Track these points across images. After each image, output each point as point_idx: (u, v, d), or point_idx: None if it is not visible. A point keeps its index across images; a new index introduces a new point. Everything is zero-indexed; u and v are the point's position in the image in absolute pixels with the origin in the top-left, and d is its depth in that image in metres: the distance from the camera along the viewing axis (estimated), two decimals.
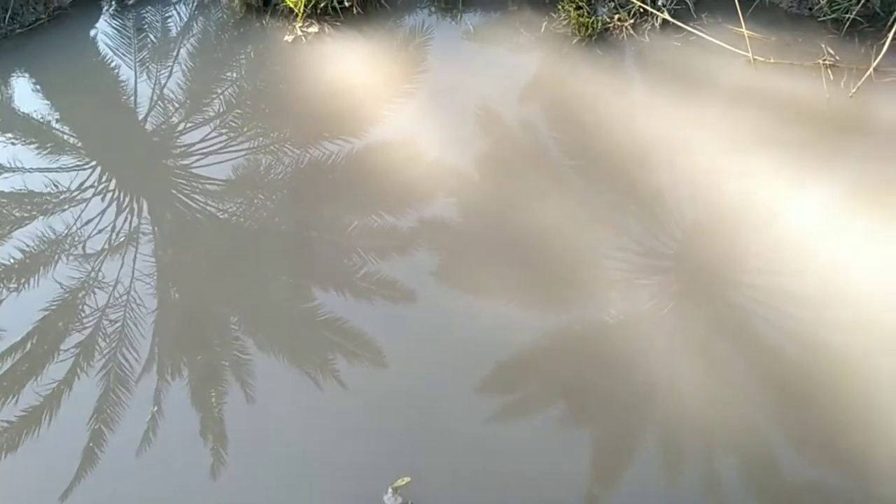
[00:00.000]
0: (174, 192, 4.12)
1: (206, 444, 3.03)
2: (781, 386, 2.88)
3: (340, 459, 2.92)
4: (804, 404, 2.81)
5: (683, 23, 4.27)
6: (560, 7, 4.47)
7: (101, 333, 3.44)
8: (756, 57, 3.99)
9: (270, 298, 3.56)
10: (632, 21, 4.34)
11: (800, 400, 2.82)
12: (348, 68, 4.61)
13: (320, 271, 3.64)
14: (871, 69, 3.80)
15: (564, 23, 4.42)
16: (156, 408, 3.14)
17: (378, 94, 4.40)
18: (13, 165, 4.36)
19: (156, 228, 3.95)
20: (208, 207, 4.02)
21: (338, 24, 4.87)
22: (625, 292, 3.25)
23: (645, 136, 3.83)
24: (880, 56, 3.81)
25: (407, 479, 2.79)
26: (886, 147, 3.57)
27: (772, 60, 3.97)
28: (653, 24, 4.33)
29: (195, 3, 5.39)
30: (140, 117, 4.61)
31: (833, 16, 4.08)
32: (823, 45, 3.98)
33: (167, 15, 5.34)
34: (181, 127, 4.51)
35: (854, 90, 3.77)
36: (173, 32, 5.21)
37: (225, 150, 4.31)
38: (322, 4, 4.85)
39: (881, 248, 3.20)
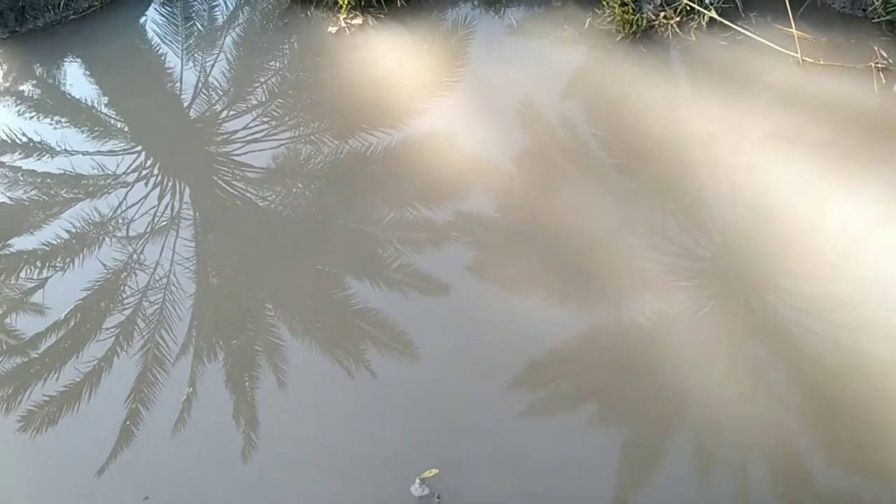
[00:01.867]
0: (215, 178, 4.13)
1: (238, 427, 3.02)
2: (818, 393, 2.76)
3: (369, 448, 2.90)
4: (841, 412, 2.71)
5: (731, 22, 4.11)
6: (605, 3, 4.34)
7: (140, 314, 3.46)
8: (805, 58, 3.83)
9: (305, 286, 3.55)
10: (678, 19, 4.19)
11: (836, 408, 2.72)
12: (391, 60, 4.56)
13: (355, 261, 3.60)
14: None
15: (609, 19, 4.29)
16: (191, 389, 3.14)
17: (419, 87, 4.34)
18: (62, 148, 4.41)
19: (196, 213, 3.96)
20: (248, 194, 4.01)
21: (381, 15, 4.81)
22: (661, 293, 3.15)
23: (687, 135, 3.70)
24: None
25: (435, 471, 2.75)
26: None
27: (821, 62, 3.81)
28: (699, 23, 4.17)
29: None
30: (185, 104, 4.63)
31: (888, 17, 3.89)
32: (876, 48, 3.79)
33: (214, 4, 5.35)
34: (224, 115, 4.52)
35: None
36: (219, 21, 5.21)
37: (266, 138, 4.30)
38: None
39: None
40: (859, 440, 2.65)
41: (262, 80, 4.68)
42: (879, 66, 3.73)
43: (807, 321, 2.96)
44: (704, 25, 4.16)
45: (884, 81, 3.69)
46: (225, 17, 5.22)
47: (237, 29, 5.11)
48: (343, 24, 4.80)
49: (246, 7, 5.24)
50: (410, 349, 3.21)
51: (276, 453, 2.94)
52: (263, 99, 4.55)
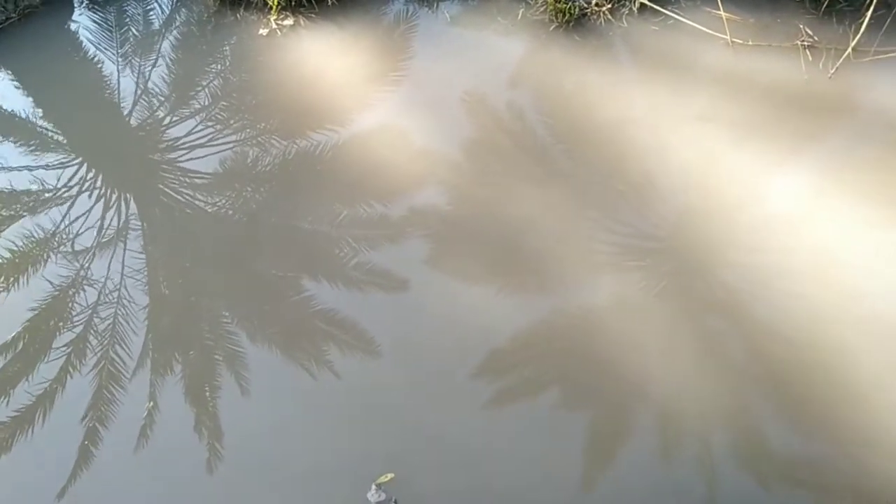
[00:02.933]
0: (161, 186, 4.00)
1: (201, 438, 2.93)
2: (772, 360, 2.85)
3: (335, 450, 2.86)
4: (796, 379, 2.79)
5: (661, 6, 4.17)
6: None
7: (92, 331, 3.32)
8: (734, 39, 3.91)
9: (262, 291, 3.47)
10: (609, 6, 4.23)
11: (792, 375, 2.80)
12: (329, 59, 4.47)
13: (311, 262, 3.54)
14: (850, 49, 3.74)
15: (542, 9, 4.30)
16: (151, 403, 3.04)
17: (360, 84, 4.27)
18: None
19: (144, 224, 3.83)
20: (196, 201, 3.89)
21: (313, 15, 4.72)
22: (617, 274, 3.19)
23: (626, 120, 3.74)
24: (858, 35, 3.74)
25: (391, 476, 2.72)
26: (866, 127, 3.52)
27: (750, 43, 3.90)
28: (631, 9, 4.22)
29: None
30: (125, 112, 4.47)
31: None
32: (802, 26, 3.91)
33: (149, 7, 5.16)
34: (167, 121, 4.37)
35: (833, 70, 3.71)
36: (155, 25, 5.04)
37: (212, 143, 4.17)
38: None
39: (864, 224, 3.15)
40: (812, 404, 2.73)
41: (204, 83, 4.55)
42: (805, 43, 3.84)
43: (757, 291, 3.04)
44: (636, 11, 4.21)
45: (810, 58, 3.80)
46: (161, 21, 5.05)
47: (174, 32, 4.95)
48: (274, 26, 4.68)
49: (182, 10, 5.08)
50: (372, 347, 3.17)
51: (241, 462, 2.88)
52: (206, 103, 4.42)
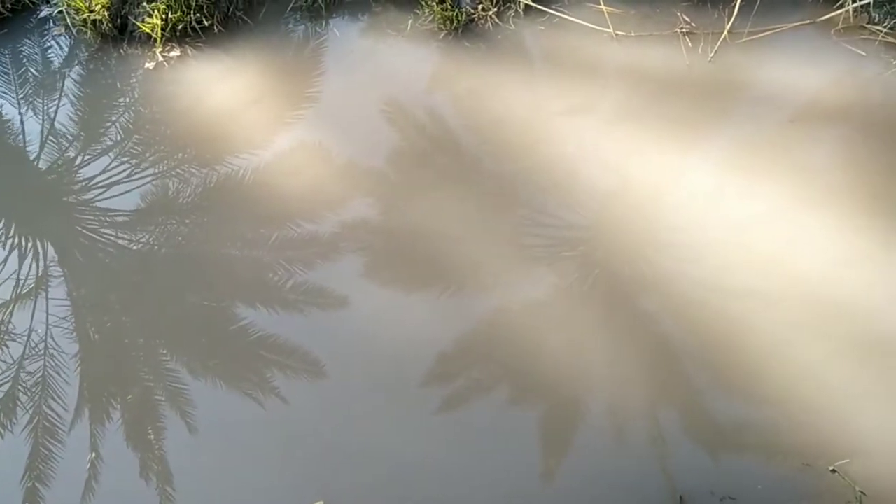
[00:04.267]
0: (80, 228, 3.88)
1: (149, 483, 2.88)
2: (705, 334, 2.99)
3: (290, 477, 2.86)
4: (725, 350, 2.95)
5: (545, 6, 4.25)
6: (423, 3, 4.35)
7: (21, 387, 3.23)
8: (618, 32, 4.04)
9: (198, 324, 3.42)
10: (495, 10, 4.28)
11: (722, 346, 2.95)
12: (229, 85, 4.40)
13: (246, 289, 3.50)
14: (726, 32, 3.91)
15: (430, 19, 4.32)
16: (94, 454, 2.96)
17: (267, 107, 4.22)
18: None
19: (65, 270, 3.72)
20: (119, 240, 3.78)
21: (200, 44, 4.60)
22: (551, 266, 3.27)
23: (525, 120, 3.82)
24: (732, 19, 3.92)
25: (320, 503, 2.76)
26: (749, 106, 3.70)
27: (633, 34, 4.04)
28: (516, 11, 4.28)
29: (48, 35, 5.01)
30: (32, 156, 4.32)
31: None
32: (679, 14, 4.06)
33: (46, 46, 4.97)
34: (79, 160, 4.23)
35: (712, 55, 3.89)
36: (56, 64, 4.86)
37: (130, 178, 4.06)
38: (181, 26, 4.54)
39: (762, 198, 3.34)
40: (744, 371, 2.89)
41: (114, 118, 4.43)
42: (684, 30, 4.00)
43: (685, 269, 3.18)
44: (521, 13, 4.28)
45: (690, 45, 3.96)
46: (60, 60, 4.88)
47: (76, 69, 4.80)
48: (160, 59, 4.53)
49: (82, 46, 4.91)
50: (317, 368, 3.16)
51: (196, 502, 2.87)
52: (119, 138, 4.32)
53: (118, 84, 4.59)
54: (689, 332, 3.00)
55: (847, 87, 3.64)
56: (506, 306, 3.20)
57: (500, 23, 4.27)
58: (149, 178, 4.07)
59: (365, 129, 3.98)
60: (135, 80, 4.55)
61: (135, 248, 3.77)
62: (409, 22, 4.38)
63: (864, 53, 3.73)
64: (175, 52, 4.57)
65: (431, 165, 3.77)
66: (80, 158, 4.25)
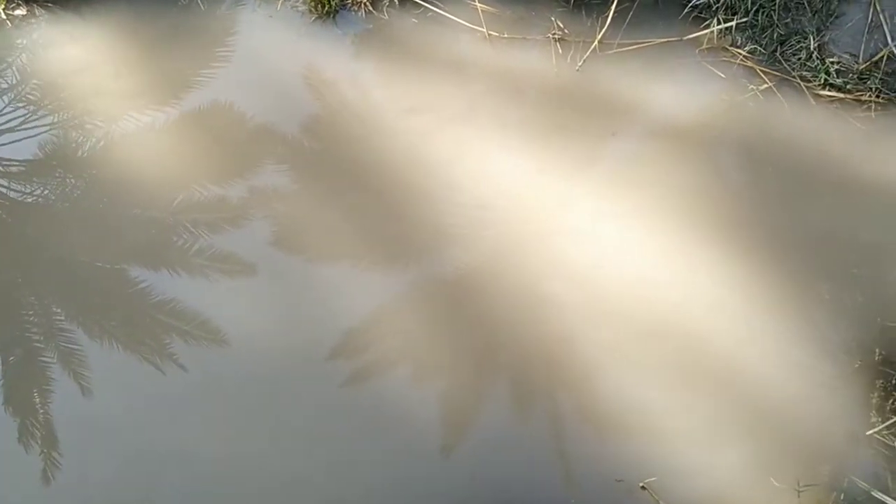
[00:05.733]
0: None
1: (29, 450, 2.80)
2: (604, 308, 3.08)
3: (186, 441, 2.78)
4: (620, 323, 3.07)
5: None
6: None
7: None
8: (491, 32, 3.89)
9: (96, 285, 3.25)
10: None
11: (616, 321, 3.07)
12: (74, 51, 4.10)
13: (148, 251, 3.33)
14: (596, 42, 3.80)
15: (302, 1, 4.09)
16: None
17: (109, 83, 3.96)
18: None
19: None
20: (11, 192, 3.58)
21: (49, 4, 4.20)
22: (467, 243, 3.26)
23: (372, 114, 3.72)
24: (604, 29, 3.84)
25: None
26: (609, 119, 3.66)
27: (506, 35, 3.89)
28: (391, 1, 4.10)
29: None
30: None
31: None
32: (554, 19, 3.96)
33: None
34: None
35: (580, 63, 3.77)
36: None
37: (23, 126, 3.79)
38: None
39: (580, 207, 3.44)
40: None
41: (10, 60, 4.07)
42: (556, 36, 3.88)
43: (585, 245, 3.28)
44: (397, 3, 4.11)
45: (560, 51, 3.84)
46: None
47: None
48: (3, 16, 4.16)
49: None
50: (218, 336, 3.04)
51: (85, 465, 2.76)
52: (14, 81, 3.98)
53: None
54: (588, 309, 3.09)
55: (699, 107, 3.74)
56: (419, 282, 3.17)
57: (373, 11, 4.10)
58: (47, 128, 3.75)
59: (222, 106, 3.82)
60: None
61: (29, 201, 3.55)
62: (280, 2, 4.15)
63: (723, 75, 3.71)
64: (20, 11, 4.13)
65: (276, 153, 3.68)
66: None
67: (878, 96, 3.55)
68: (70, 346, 3.04)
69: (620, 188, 3.44)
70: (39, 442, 2.84)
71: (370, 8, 4.05)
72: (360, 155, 3.59)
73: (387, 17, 4.06)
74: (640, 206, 3.37)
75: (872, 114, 3.51)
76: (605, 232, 3.32)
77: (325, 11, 3.99)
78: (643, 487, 2.74)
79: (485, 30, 3.90)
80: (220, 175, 3.52)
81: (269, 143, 3.67)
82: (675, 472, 2.76)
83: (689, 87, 3.72)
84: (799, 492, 2.69)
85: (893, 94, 3.53)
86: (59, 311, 3.17)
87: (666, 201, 3.36)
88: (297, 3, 4.10)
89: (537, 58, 3.86)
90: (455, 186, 3.47)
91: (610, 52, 3.84)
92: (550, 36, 3.90)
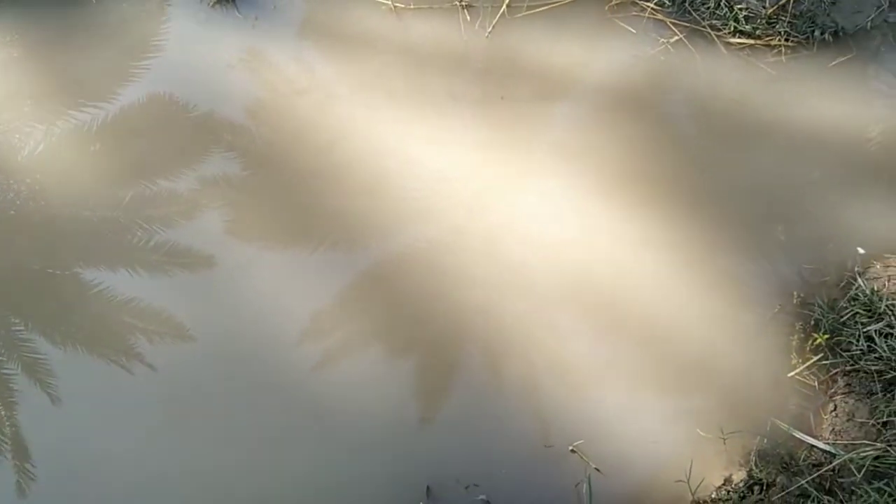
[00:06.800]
0: None
1: (3, 462, 2.81)
2: (565, 273, 3.14)
3: (165, 441, 2.79)
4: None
5: None
6: None
7: None
8: (397, 4, 3.83)
9: (52, 292, 3.22)
10: None
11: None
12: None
13: (103, 252, 3.30)
14: (504, 6, 3.79)
15: None
16: None
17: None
18: None
19: None
20: None
21: None
22: (431, 217, 3.29)
23: (272, 99, 3.65)
24: None
25: None
26: (519, 84, 3.66)
27: (412, 6, 3.84)
28: None
29: None
30: None
31: None
32: None
33: None
34: None
35: (490, 29, 3.76)
36: None
37: None
38: None
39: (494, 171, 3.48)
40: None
41: None
42: (463, 3, 3.83)
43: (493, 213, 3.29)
44: None
45: (468, 18, 3.82)
46: None
47: None
48: None
49: None
50: (183, 331, 3.04)
51: (60, 476, 2.76)
52: None
53: None
54: (555, 279, 3.11)
55: (611, 64, 3.72)
56: (383, 260, 3.19)
57: None
58: None
59: (126, 99, 3.76)
60: None
61: None
62: None
63: (633, 30, 3.75)
64: None
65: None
66: None
67: (786, 40, 3.69)
68: (33, 355, 3.03)
69: (534, 153, 3.55)
70: (10, 456, 2.84)
71: None
72: (270, 137, 3.58)
73: None
74: (551, 168, 3.48)
75: (783, 58, 3.67)
76: (515, 198, 3.39)
77: None
78: (573, 451, 2.81)
79: (390, 2, 3.85)
80: (167, 168, 3.49)
81: (212, 132, 3.59)
82: (602, 432, 2.84)
83: (600, 44, 3.79)
84: (724, 440, 2.79)
85: (802, 37, 3.69)
86: (17, 321, 3.16)
87: (580, 161, 3.47)
88: None
89: (446, 27, 3.85)
90: (342, 164, 3.48)
91: (519, 15, 3.85)
92: (458, 3, 3.87)
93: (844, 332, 2.88)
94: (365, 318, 3.05)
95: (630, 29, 3.78)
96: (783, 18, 3.65)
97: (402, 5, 3.88)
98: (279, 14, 3.98)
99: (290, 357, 2.95)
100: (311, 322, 3.04)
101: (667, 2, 3.74)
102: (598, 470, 2.75)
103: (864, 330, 2.85)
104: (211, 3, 3.97)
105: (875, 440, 2.65)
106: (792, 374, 2.91)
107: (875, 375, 2.80)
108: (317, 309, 3.07)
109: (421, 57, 3.79)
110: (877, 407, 2.74)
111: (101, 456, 2.82)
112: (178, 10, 4.01)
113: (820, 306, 2.98)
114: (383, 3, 3.88)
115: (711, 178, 3.40)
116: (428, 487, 2.75)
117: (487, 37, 3.81)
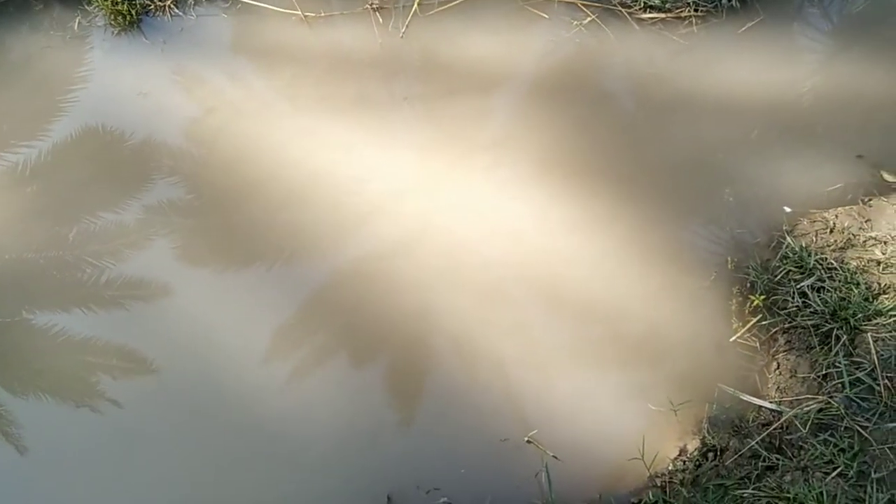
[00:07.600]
0: None
1: None
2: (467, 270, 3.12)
3: (140, 479, 2.71)
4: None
5: None
6: None
7: None
8: (307, 13, 3.75)
9: (4, 340, 3.09)
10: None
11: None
12: None
13: (53, 293, 3.21)
14: (416, 5, 3.74)
15: (101, 14, 3.86)
16: None
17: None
18: None
19: None
20: None
21: None
22: (385, 218, 3.25)
23: (194, 119, 3.58)
24: None
25: None
26: (436, 80, 3.62)
27: (322, 14, 3.75)
28: None
29: None
30: None
31: None
32: None
33: None
34: None
35: (403, 30, 3.71)
36: None
37: None
38: None
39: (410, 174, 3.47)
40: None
41: None
42: (374, 6, 3.77)
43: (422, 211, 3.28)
44: (204, 0, 3.84)
45: (381, 20, 3.76)
46: None
47: None
48: None
49: None
50: (145, 365, 2.97)
51: None
52: None
53: None
54: (513, 272, 3.07)
55: (527, 51, 3.69)
56: (341, 267, 3.16)
57: (179, 13, 3.87)
58: None
59: (58, 135, 3.62)
60: None
61: None
62: (77, 19, 3.84)
63: (546, 15, 3.74)
64: None
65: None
66: None
67: (696, 10, 3.75)
68: None
69: (458, 147, 3.50)
70: None
71: (176, 10, 3.90)
72: (207, 158, 3.48)
73: (194, 15, 3.91)
74: (479, 161, 3.44)
75: (694, 28, 3.73)
76: (448, 195, 3.35)
77: (127, 22, 3.81)
78: (529, 441, 2.80)
79: (300, 12, 3.76)
80: (110, 200, 3.41)
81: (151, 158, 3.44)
82: (556, 419, 2.83)
83: (515, 32, 3.79)
84: (675, 411, 2.80)
85: (710, 5, 3.76)
86: None
87: (506, 151, 3.45)
88: (95, 19, 3.90)
89: (359, 31, 3.78)
90: (261, 181, 3.41)
91: (432, 12, 3.80)
92: (369, 6, 3.81)
93: (780, 291, 2.94)
94: (321, 334, 3.00)
95: (543, 15, 3.77)
96: None
97: (313, 14, 3.81)
98: (187, 35, 3.88)
99: (259, 375, 2.90)
100: (276, 337, 3.00)
101: None
102: (555, 457, 2.73)
103: (798, 286, 2.91)
104: (115, 32, 3.85)
105: (816, 393, 2.70)
106: (734, 338, 2.93)
107: (812, 329, 2.85)
108: (282, 324, 3.03)
109: (328, 63, 3.71)
110: (816, 360, 2.78)
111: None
112: (83, 43, 3.87)
113: (754, 269, 3.05)
114: (293, 14, 3.81)
115: (638, 153, 3.41)
116: (388, 497, 2.70)
117: (402, 37, 3.76)
